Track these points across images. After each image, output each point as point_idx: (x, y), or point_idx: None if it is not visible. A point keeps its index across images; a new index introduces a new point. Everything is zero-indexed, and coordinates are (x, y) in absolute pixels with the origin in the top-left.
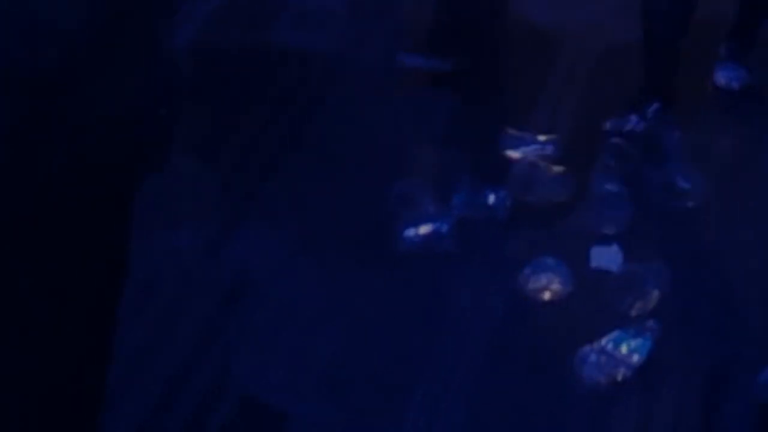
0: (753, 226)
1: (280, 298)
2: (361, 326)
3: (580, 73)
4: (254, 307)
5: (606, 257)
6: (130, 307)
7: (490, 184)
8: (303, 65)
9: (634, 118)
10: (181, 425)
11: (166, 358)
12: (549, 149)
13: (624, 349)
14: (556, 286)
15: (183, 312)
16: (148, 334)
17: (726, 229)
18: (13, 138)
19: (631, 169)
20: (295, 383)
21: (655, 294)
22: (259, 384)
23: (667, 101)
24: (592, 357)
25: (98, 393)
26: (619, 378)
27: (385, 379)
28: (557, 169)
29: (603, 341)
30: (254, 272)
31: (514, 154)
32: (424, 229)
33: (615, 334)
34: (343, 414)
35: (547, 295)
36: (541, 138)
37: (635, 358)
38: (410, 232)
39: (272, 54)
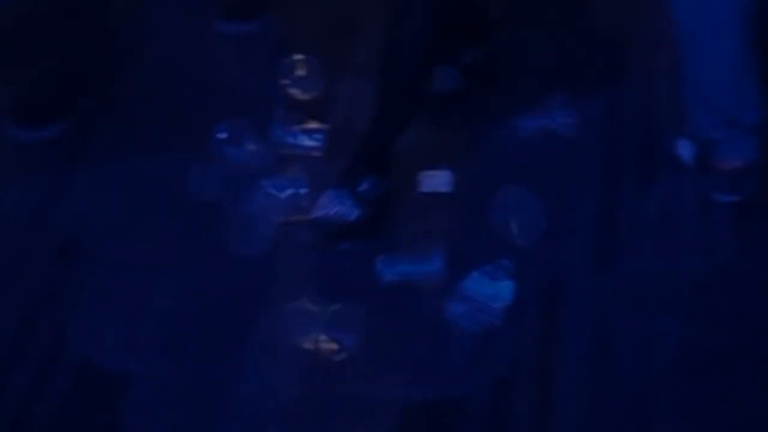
0: None
1: (110, 259)
2: (195, 279)
3: None
4: (86, 270)
5: (436, 181)
6: None
7: None
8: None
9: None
10: (19, 394)
11: None
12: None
13: (485, 295)
14: None
15: (13, 277)
16: None
17: None
18: None
19: None
20: (132, 342)
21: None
22: (96, 346)
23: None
24: (460, 307)
25: None
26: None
27: (222, 331)
28: None
29: (465, 288)
30: (84, 234)
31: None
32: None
33: (474, 276)
34: (182, 370)
35: None
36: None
37: (498, 303)
38: None
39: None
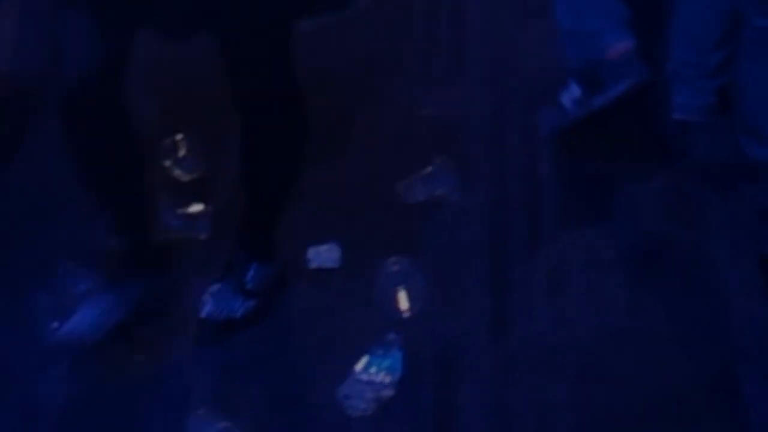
0: None
1: None
2: None
3: None
4: None
5: (324, 256)
6: None
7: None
8: None
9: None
10: None
11: None
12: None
13: (376, 371)
14: None
15: None
16: None
17: None
18: None
19: None
20: None
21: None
22: None
23: None
24: (352, 390)
25: None
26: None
27: None
28: None
29: (357, 370)
30: None
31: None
32: None
33: (365, 359)
34: None
35: None
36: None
37: (389, 378)
38: None
39: None
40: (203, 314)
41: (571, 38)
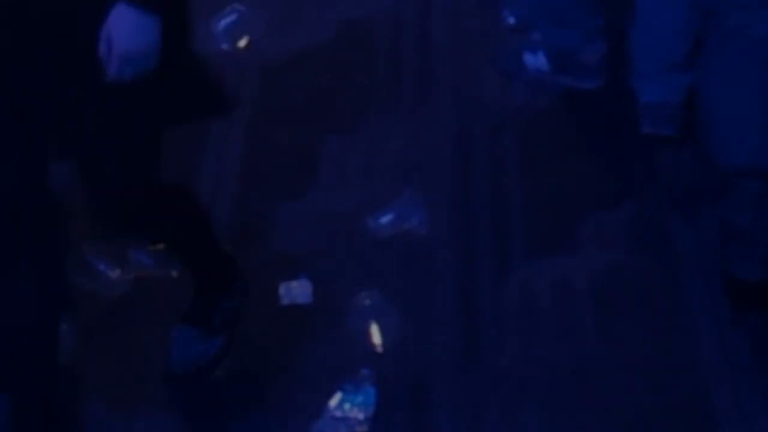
0: None
1: None
2: None
3: None
4: None
5: (296, 292)
6: None
7: None
8: None
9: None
10: None
11: None
12: None
13: (350, 408)
14: None
15: None
16: None
17: None
18: None
19: None
20: None
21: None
22: None
23: None
24: (326, 427)
25: None
26: None
27: None
28: None
29: (331, 407)
30: None
31: None
32: None
33: (338, 396)
34: None
35: None
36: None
37: (363, 414)
38: None
39: None
40: (172, 364)
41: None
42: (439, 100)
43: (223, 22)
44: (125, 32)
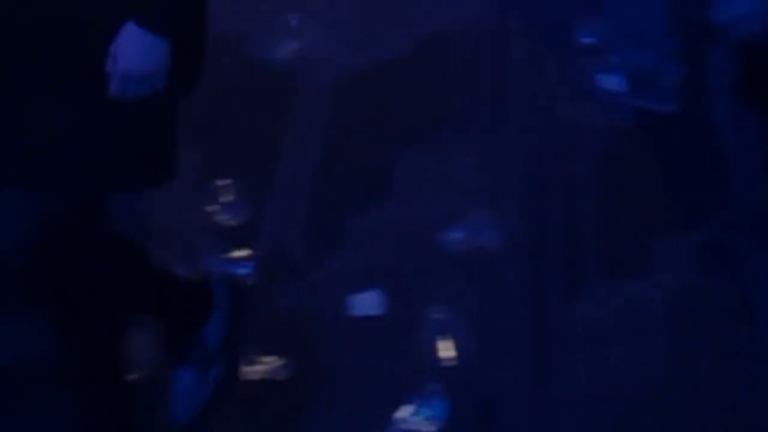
0: None
1: None
2: None
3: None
4: None
5: (366, 303)
6: None
7: None
8: None
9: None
10: None
11: None
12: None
13: (418, 420)
14: None
15: None
16: None
17: None
18: None
19: None
20: None
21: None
22: None
23: None
24: None
25: None
26: None
27: None
28: None
29: (399, 419)
30: None
31: None
32: None
33: (406, 408)
34: None
35: None
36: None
37: (430, 428)
38: None
39: None
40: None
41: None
42: (514, 118)
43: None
44: (132, 51)
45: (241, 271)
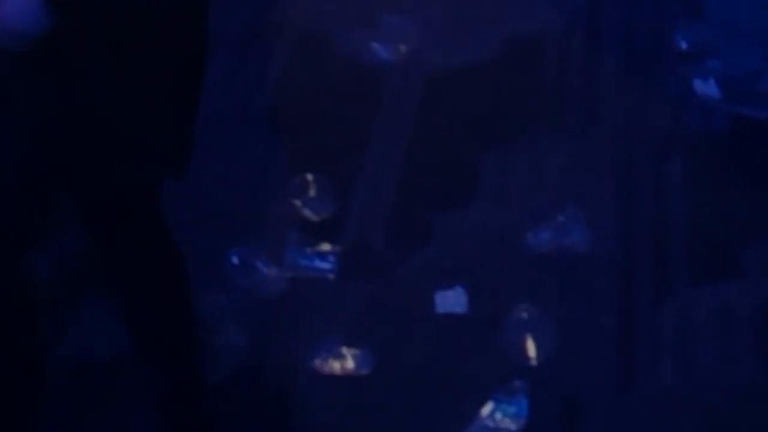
0: None
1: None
2: None
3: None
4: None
5: (451, 301)
6: None
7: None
8: None
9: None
10: None
11: None
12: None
13: (502, 418)
14: None
15: None
16: None
17: None
18: None
19: None
20: None
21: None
22: None
23: None
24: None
25: None
26: None
27: None
28: None
29: (482, 416)
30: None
31: None
32: None
33: (490, 405)
34: None
35: None
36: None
37: (514, 425)
38: None
39: None
40: None
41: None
42: (605, 121)
43: (380, 33)
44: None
45: (324, 265)
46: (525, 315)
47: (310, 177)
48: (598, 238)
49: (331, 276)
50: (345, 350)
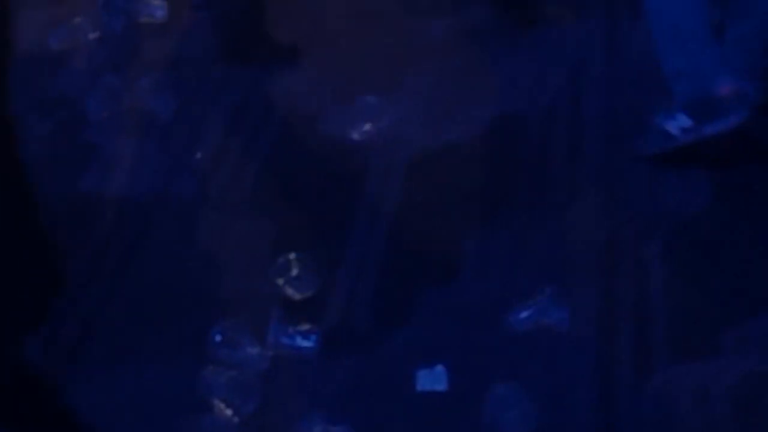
0: None
1: None
2: None
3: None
4: None
5: (431, 379)
6: None
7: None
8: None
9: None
10: None
11: None
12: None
13: None
14: None
15: None
16: None
17: None
18: None
19: None
20: None
21: None
22: None
23: None
24: None
25: None
26: None
27: None
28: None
29: None
30: None
31: None
32: None
33: None
34: None
35: None
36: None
37: None
38: None
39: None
40: None
41: (680, 77)
42: (587, 199)
43: (354, 113)
44: None
45: (306, 344)
46: (504, 392)
47: (292, 256)
48: (578, 316)
49: (313, 354)
50: (327, 428)
